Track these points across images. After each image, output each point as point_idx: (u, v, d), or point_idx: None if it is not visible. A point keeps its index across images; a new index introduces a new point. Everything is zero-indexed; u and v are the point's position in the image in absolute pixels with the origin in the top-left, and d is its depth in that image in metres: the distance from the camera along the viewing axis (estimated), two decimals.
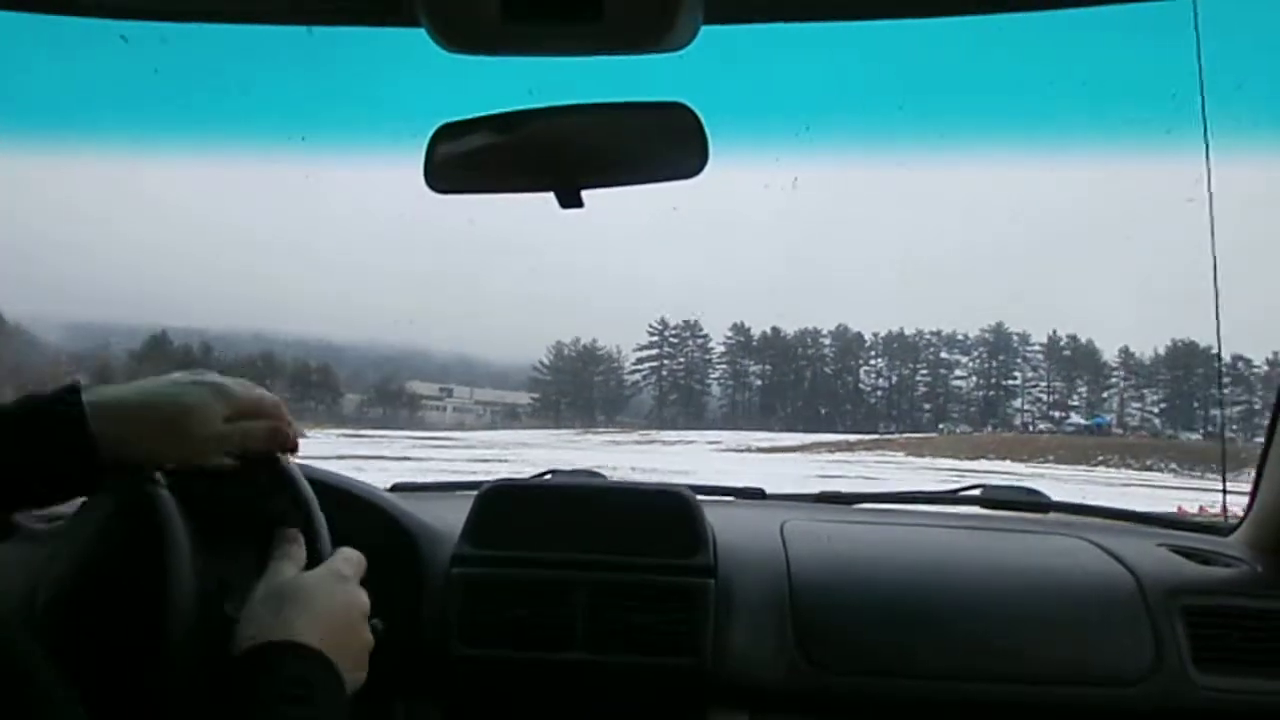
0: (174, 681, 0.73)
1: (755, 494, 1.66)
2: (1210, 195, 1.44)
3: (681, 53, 0.87)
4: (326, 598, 0.74)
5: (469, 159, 1.08)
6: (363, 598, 0.79)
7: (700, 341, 27.74)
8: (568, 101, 1.02)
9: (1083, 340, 28.63)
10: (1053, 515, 1.57)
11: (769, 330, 28.16)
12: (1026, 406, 28.42)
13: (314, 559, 0.97)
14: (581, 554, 1.26)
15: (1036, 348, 28.73)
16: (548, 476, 1.63)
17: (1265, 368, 26.25)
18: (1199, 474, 21.38)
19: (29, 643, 0.58)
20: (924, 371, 28.68)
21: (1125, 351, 28.84)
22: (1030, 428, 26.91)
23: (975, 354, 28.75)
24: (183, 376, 0.80)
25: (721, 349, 28.28)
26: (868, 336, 28.84)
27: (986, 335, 28.72)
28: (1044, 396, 28.30)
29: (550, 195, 1.06)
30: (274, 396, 0.86)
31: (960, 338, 28.70)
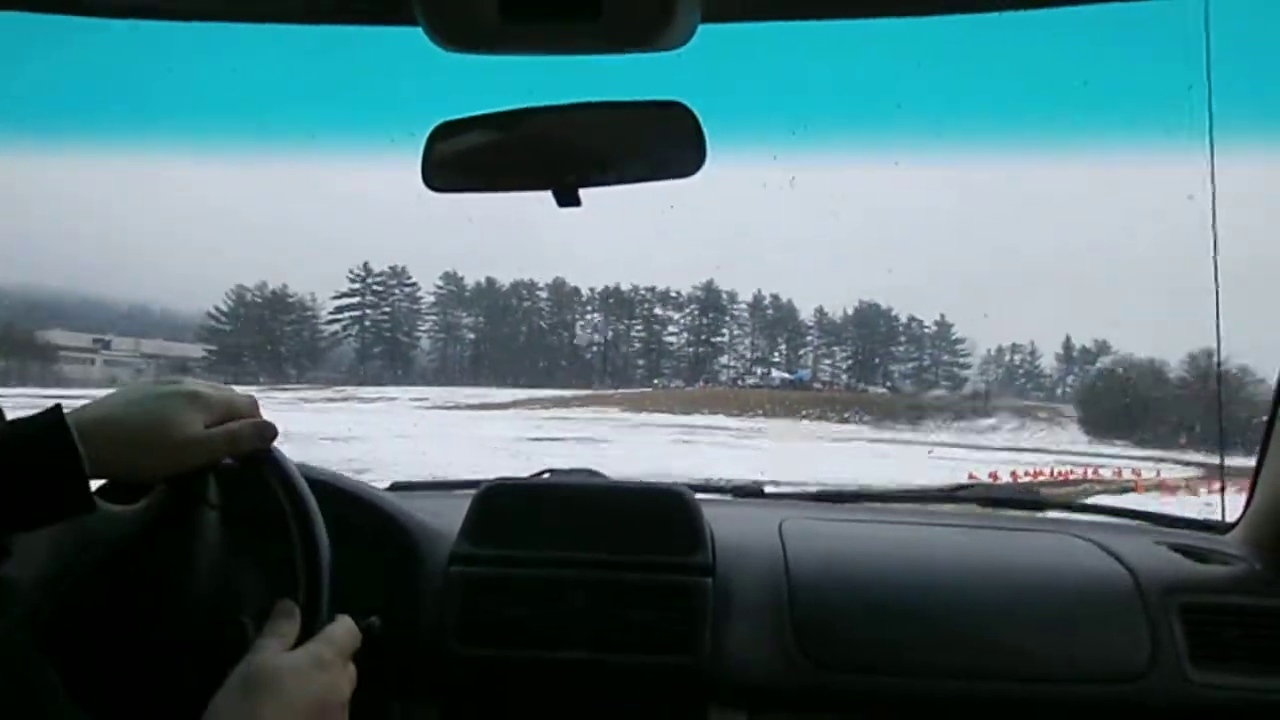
0: (177, 671, 0.74)
1: (754, 492, 1.67)
2: (1213, 192, 1.44)
3: (679, 52, 0.88)
4: (300, 688, 0.71)
5: (467, 157, 1.08)
6: (343, 686, 0.76)
7: (409, 290, 26.21)
8: (565, 100, 1.03)
9: (784, 300, 29.35)
10: (1050, 513, 1.58)
11: (483, 281, 27.11)
12: (733, 363, 29.01)
13: (312, 571, 0.97)
14: (580, 553, 1.27)
15: (743, 306, 29.28)
16: (545, 475, 1.63)
17: (934, 328, 28.72)
18: (889, 425, 23.03)
19: (40, 660, 0.59)
20: (639, 328, 28.75)
21: (820, 311, 29.77)
22: (738, 383, 27.53)
23: (687, 311, 29.05)
24: (158, 387, 0.80)
25: (432, 299, 26.87)
26: (584, 291, 28.37)
27: (698, 293, 29.02)
28: (748, 353, 29.04)
29: (548, 193, 1.06)
30: (248, 395, 0.87)
31: (674, 295, 28.82)
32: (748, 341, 29.33)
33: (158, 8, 0.98)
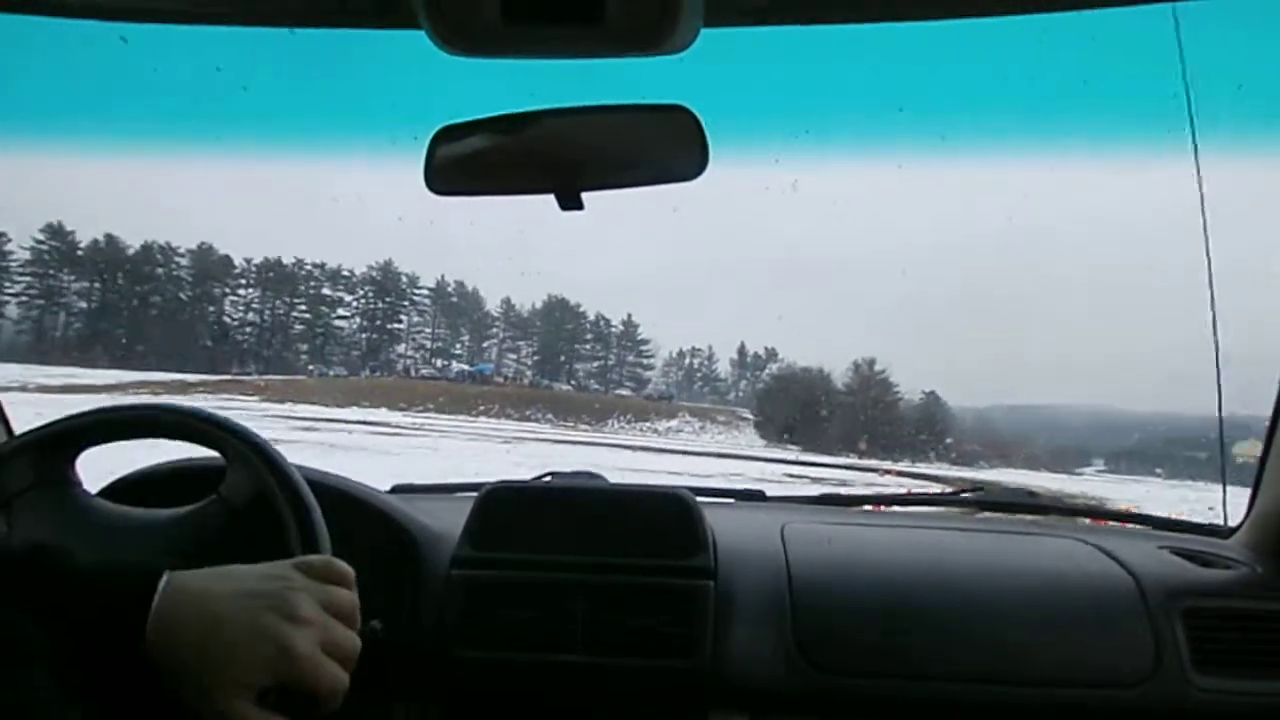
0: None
1: (755, 496, 1.66)
2: (1202, 197, 1.44)
3: (682, 55, 0.88)
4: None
5: (469, 161, 1.08)
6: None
7: None
8: (568, 104, 1.03)
9: (469, 288, 28.33)
10: (1052, 517, 1.57)
11: (100, 239, 23.69)
12: (410, 352, 27.26)
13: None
14: (581, 556, 1.26)
15: (425, 292, 27.88)
16: (547, 478, 1.63)
17: (621, 327, 28.80)
18: (571, 423, 22.74)
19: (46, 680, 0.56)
20: (303, 307, 26.19)
21: (507, 303, 29.01)
22: (412, 373, 25.89)
23: (361, 293, 27.01)
24: (279, 576, 0.71)
25: (28, 257, 23.14)
26: (238, 261, 25.66)
27: (374, 274, 27.02)
28: (428, 343, 27.63)
29: (551, 197, 1.06)
30: (344, 565, 0.77)
31: (346, 274, 26.61)
32: (428, 330, 27.74)
33: (159, 10, 0.98)
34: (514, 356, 28.59)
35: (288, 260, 26.45)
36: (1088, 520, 1.58)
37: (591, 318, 29.26)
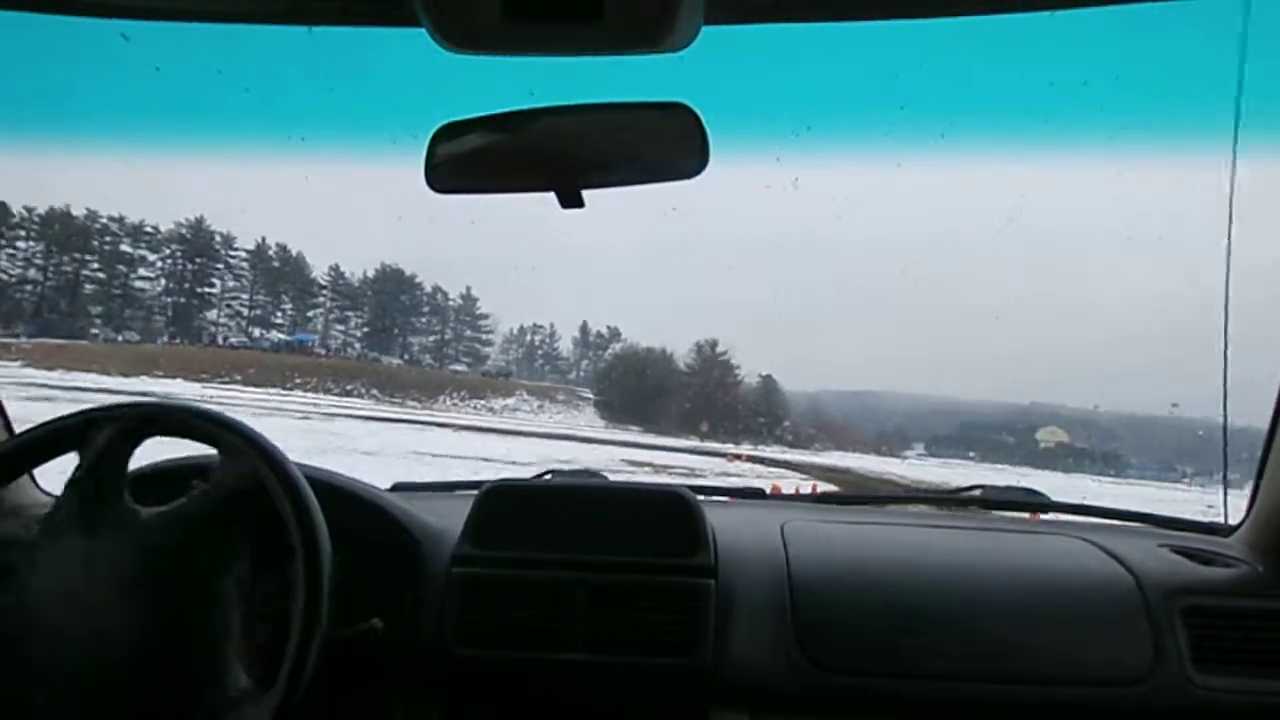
0: None
1: (756, 494, 1.66)
2: (1231, 193, 1.43)
3: (682, 53, 0.87)
4: None
5: (469, 158, 1.08)
6: None
7: None
8: (568, 101, 1.02)
9: (294, 252, 26.05)
10: (1052, 515, 1.57)
11: None
12: (226, 319, 24.60)
13: (313, 572, 0.98)
14: (582, 554, 1.27)
15: (242, 254, 25.48)
16: (547, 476, 1.63)
17: (459, 301, 27.64)
18: (398, 400, 21.67)
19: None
20: (96, 265, 23.28)
21: (335, 271, 26.97)
22: (221, 341, 23.56)
23: (167, 252, 24.16)
24: None
25: None
26: (16, 211, 22.70)
27: (184, 232, 24.31)
28: (246, 310, 25.05)
29: (551, 195, 1.06)
30: None
31: (149, 230, 23.69)
32: (245, 297, 25.23)
33: (160, 8, 0.98)
34: (342, 328, 26.90)
35: (78, 213, 23.69)
36: (1088, 519, 1.58)
37: (428, 289, 27.95)
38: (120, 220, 23.44)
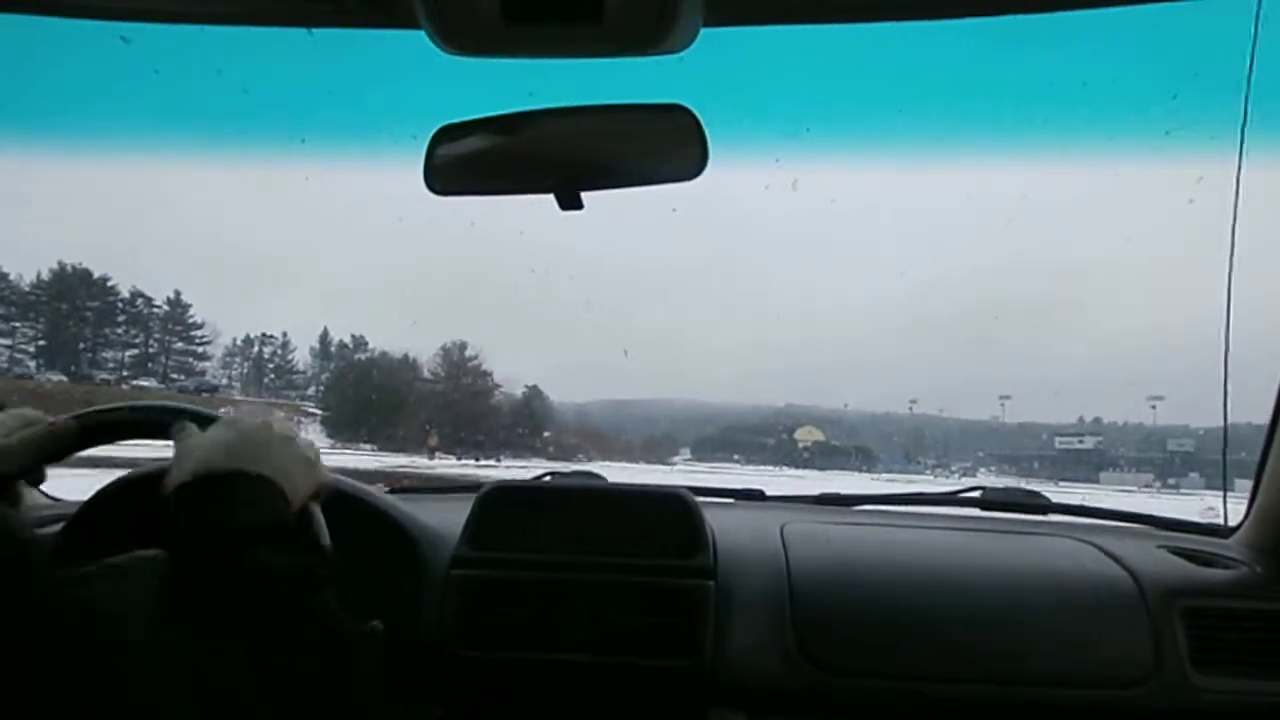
0: None
1: (755, 495, 1.66)
2: (1237, 192, 1.43)
3: (681, 55, 0.88)
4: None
5: (469, 160, 1.08)
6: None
7: None
8: (568, 104, 1.03)
9: None
10: (1052, 517, 1.57)
11: None
12: None
13: (313, 561, 0.98)
14: (581, 556, 1.26)
15: None
16: (546, 478, 1.63)
17: (165, 308, 23.53)
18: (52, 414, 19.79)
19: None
20: None
21: None
22: None
23: None
24: None
25: None
26: None
27: None
28: None
29: (550, 196, 1.06)
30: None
31: None
32: None
33: (158, 11, 0.98)
34: (7, 342, 22.36)
35: None
36: (1088, 520, 1.58)
37: (125, 295, 23.75)
38: None
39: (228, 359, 25.05)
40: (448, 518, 1.34)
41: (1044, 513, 1.58)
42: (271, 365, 25.05)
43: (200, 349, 24.67)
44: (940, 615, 1.22)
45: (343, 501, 1.23)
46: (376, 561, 1.23)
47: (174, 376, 23.89)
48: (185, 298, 24.52)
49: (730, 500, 1.64)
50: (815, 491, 1.70)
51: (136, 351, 24.15)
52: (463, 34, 0.84)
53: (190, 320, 24.54)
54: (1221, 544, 1.45)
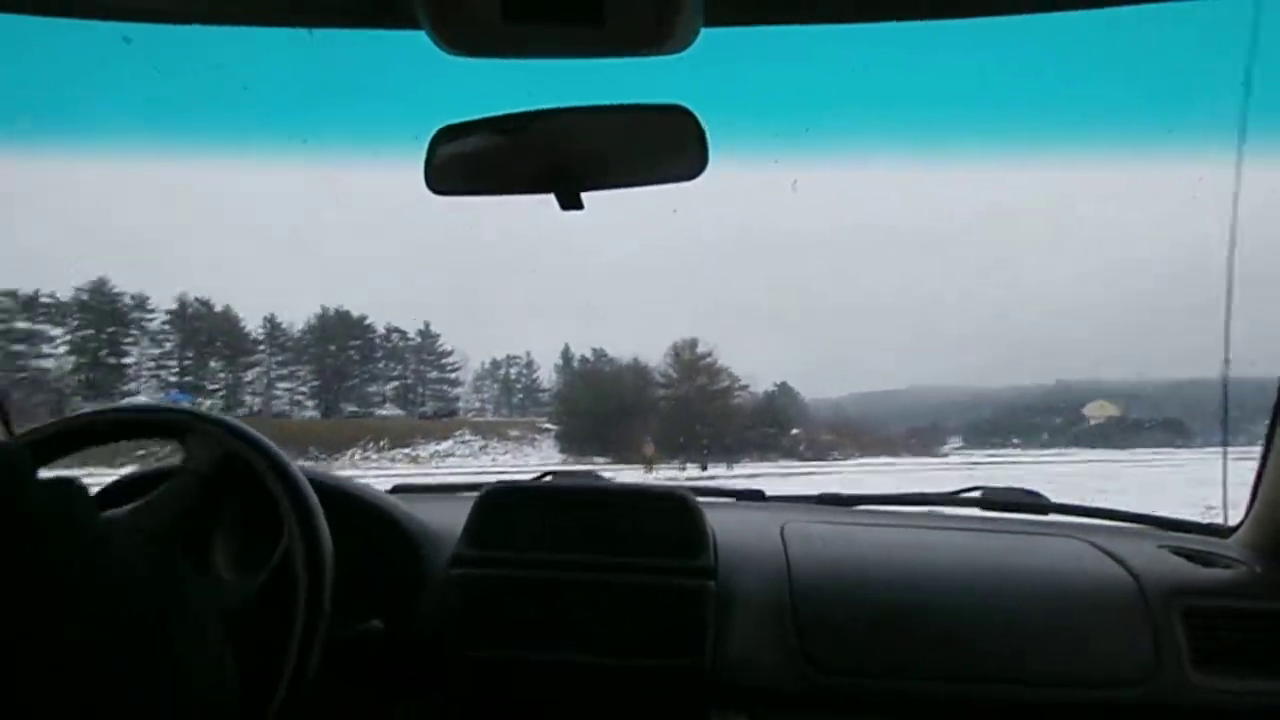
0: None
1: (755, 495, 1.66)
2: (1235, 195, 1.43)
3: (681, 55, 0.88)
4: None
5: (469, 161, 1.08)
6: None
7: None
8: (568, 104, 1.03)
9: (218, 307, 23.27)
10: (1052, 516, 1.57)
11: None
12: (137, 388, 21.84)
13: (314, 572, 0.98)
14: (581, 555, 1.27)
15: (161, 316, 22.70)
16: (547, 478, 1.63)
17: (418, 339, 24.59)
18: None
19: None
20: None
21: (271, 322, 23.77)
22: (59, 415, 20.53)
23: (73, 322, 21.61)
24: None
25: None
26: None
27: (84, 298, 21.88)
28: (175, 379, 22.55)
29: (550, 196, 1.06)
30: None
31: (46, 299, 21.12)
32: (175, 364, 22.78)
33: (159, 10, 0.98)
34: (287, 385, 23.65)
35: None
36: (1088, 519, 1.58)
37: (382, 331, 24.94)
38: (13, 294, 21.01)
39: (478, 383, 25.81)
40: (448, 517, 1.35)
41: (1044, 512, 1.58)
42: (519, 385, 25.65)
43: (452, 375, 25.57)
44: (941, 615, 1.22)
45: (343, 501, 1.23)
46: (377, 561, 1.24)
47: (431, 403, 24.42)
48: (433, 327, 25.36)
49: (730, 500, 1.64)
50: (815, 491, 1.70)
51: (396, 383, 25.03)
52: (463, 34, 0.84)
53: (440, 349, 25.52)
54: (1221, 543, 1.45)
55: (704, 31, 0.86)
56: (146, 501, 1.01)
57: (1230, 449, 1.75)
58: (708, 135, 1.02)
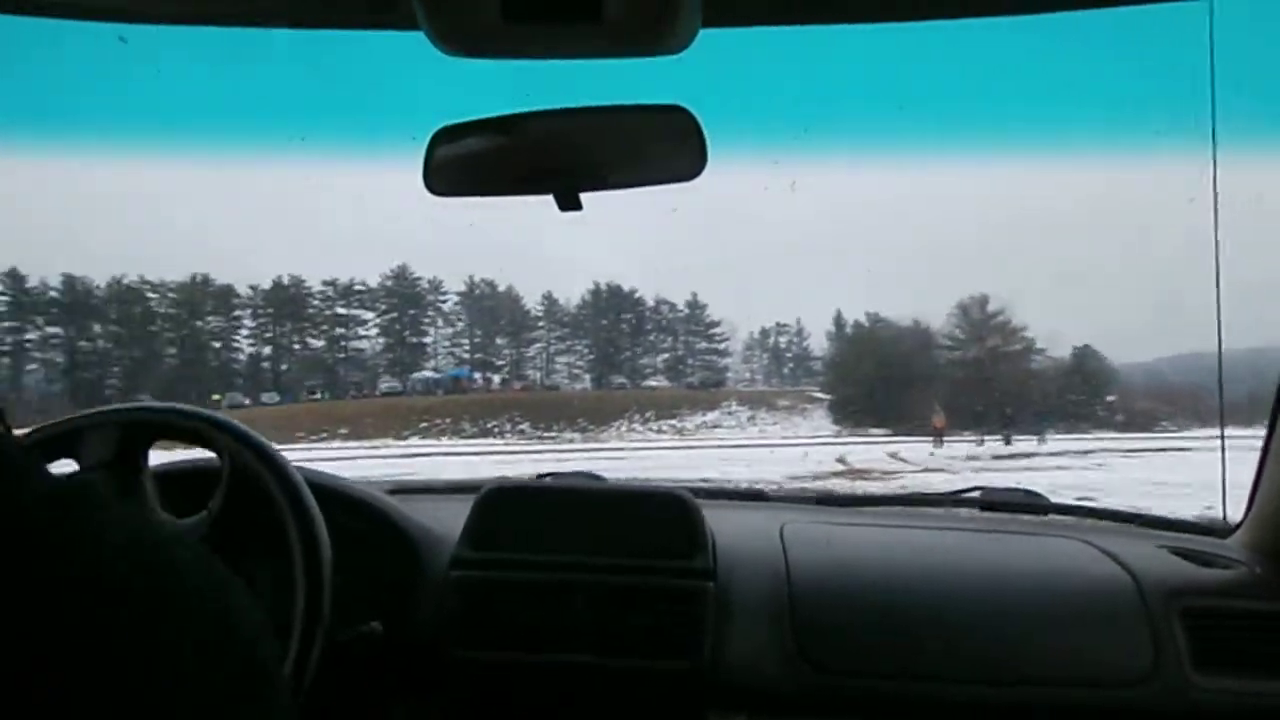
0: None
1: (755, 495, 1.66)
2: (1216, 194, 1.44)
3: (680, 55, 0.88)
4: None
5: (468, 162, 1.08)
6: None
7: None
8: (567, 104, 1.03)
9: (501, 288, 24.50)
10: (1052, 517, 1.57)
11: (67, 280, 21.31)
12: (389, 366, 23.30)
13: (312, 573, 0.98)
14: (580, 556, 1.26)
15: (453, 296, 24.36)
16: (546, 479, 1.63)
17: (685, 310, 24.75)
18: (553, 432, 18.74)
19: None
20: (313, 332, 23.21)
21: (549, 299, 24.70)
22: (367, 391, 22.33)
23: (381, 306, 23.72)
24: None
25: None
26: (242, 290, 23.03)
27: (390, 284, 23.87)
28: (467, 355, 24.12)
29: (549, 197, 1.06)
30: None
31: (360, 287, 23.46)
32: (467, 341, 24.40)
33: (157, 12, 0.98)
34: (565, 360, 24.61)
35: (287, 281, 23.85)
36: (1087, 520, 1.58)
37: (651, 304, 25.00)
38: (333, 283, 23.63)
39: (746, 353, 25.35)
40: (447, 518, 1.34)
41: (1043, 513, 1.58)
42: (789, 354, 25.12)
43: (720, 345, 25.32)
44: (940, 616, 1.22)
45: (341, 502, 1.23)
46: (376, 563, 1.23)
47: (699, 374, 24.12)
48: (700, 297, 25.08)
49: (730, 500, 1.64)
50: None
51: (667, 355, 25.21)
52: (462, 34, 0.84)
53: (708, 319, 25.32)
54: (1221, 544, 1.45)
55: (703, 32, 0.86)
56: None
57: None
58: (706, 136, 1.02)
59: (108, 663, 0.34)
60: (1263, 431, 1.40)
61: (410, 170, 1.07)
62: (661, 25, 0.82)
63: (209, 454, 1.10)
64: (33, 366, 22.14)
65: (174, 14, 0.98)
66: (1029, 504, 1.59)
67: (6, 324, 21.74)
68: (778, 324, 25.11)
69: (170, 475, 1.25)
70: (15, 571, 0.34)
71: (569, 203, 1.06)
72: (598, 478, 1.64)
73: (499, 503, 1.34)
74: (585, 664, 1.20)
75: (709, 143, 1.02)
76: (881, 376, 16.75)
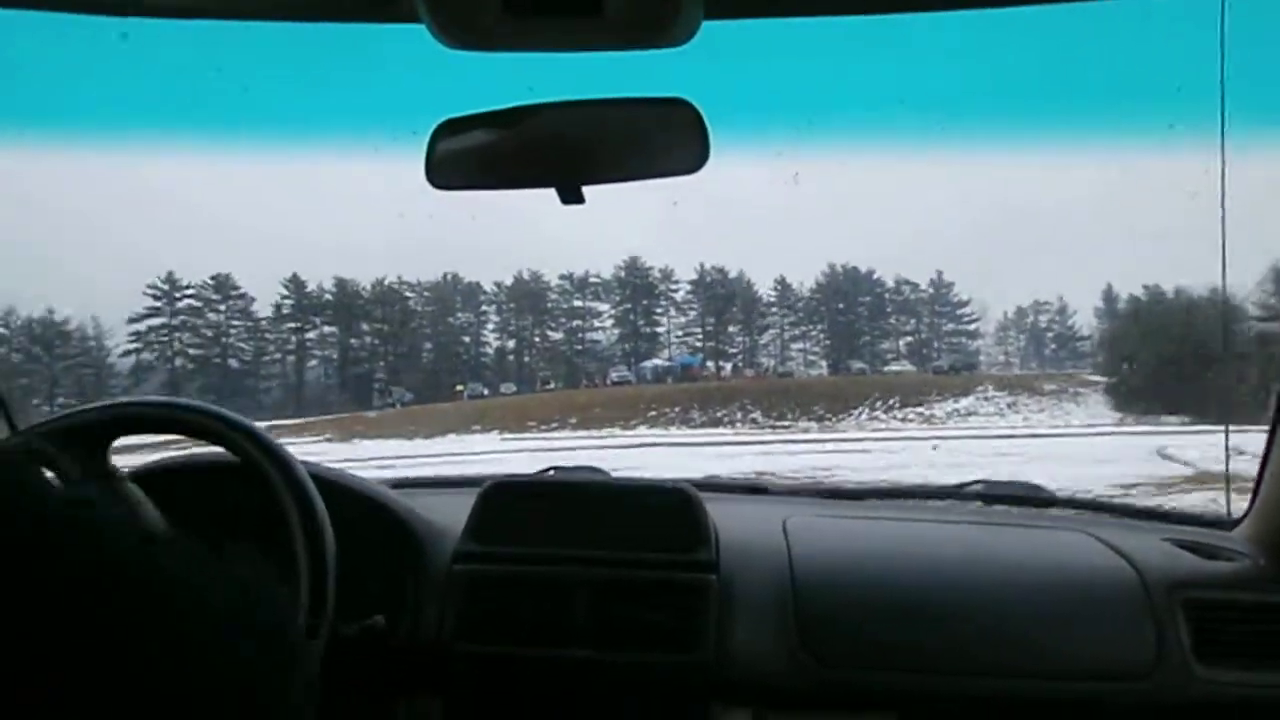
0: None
1: (758, 489, 1.66)
2: (1223, 186, 1.43)
3: (682, 48, 0.87)
4: None
5: (470, 155, 1.08)
6: None
7: (236, 303, 22.27)
8: (569, 97, 1.02)
9: (732, 274, 23.91)
10: (1055, 510, 1.57)
11: (330, 285, 22.01)
12: (617, 357, 23.35)
13: (316, 567, 0.98)
14: (584, 550, 1.27)
15: (685, 285, 23.97)
16: (550, 473, 1.63)
17: (929, 290, 23.41)
18: (786, 421, 17.00)
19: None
20: (552, 325, 23.56)
21: (781, 284, 23.94)
22: (599, 381, 22.26)
23: (615, 298, 23.82)
24: None
25: (270, 312, 22.09)
26: (488, 287, 23.46)
27: (621, 274, 23.82)
28: (699, 344, 23.81)
29: (551, 190, 1.06)
30: None
31: (594, 279, 23.54)
32: (699, 330, 24.19)
33: (161, 6, 0.98)
34: (800, 346, 23.63)
35: (527, 276, 23.97)
36: (1091, 513, 1.58)
37: (891, 284, 23.56)
38: (569, 276, 23.84)
39: (1000, 334, 23.66)
40: (450, 513, 1.35)
41: (1046, 506, 1.58)
42: (1050, 335, 23.16)
43: (970, 326, 23.84)
44: (943, 609, 1.22)
45: (345, 496, 1.23)
46: (379, 557, 1.24)
47: (947, 357, 22.43)
48: (945, 276, 23.54)
49: (733, 494, 1.64)
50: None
51: (909, 338, 23.96)
52: (463, 28, 0.84)
53: (955, 299, 23.86)
54: (1224, 536, 1.45)
55: (705, 24, 0.86)
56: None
57: None
58: (709, 129, 1.01)
59: (108, 663, 0.34)
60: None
61: (412, 164, 1.07)
62: (663, 18, 0.82)
63: (212, 449, 1.10)
64: (313, 363, 23.40)
65: (175, 8, 0.98)
66: (1032, 496, 1.59)
67: (290, 325, 22.89)
68: (1036, 302, 23.19)
69: (172, 470, 1.25)
70: (15, 572, 0.34)
71: (571, 196, 1.06)
72: (602, 472, 1.64)
73: (502, 497, 1.34)
74: (588, 658, 1.20)
75: (712, 135, 1.02)
76: (1171, 356, 14.62)
